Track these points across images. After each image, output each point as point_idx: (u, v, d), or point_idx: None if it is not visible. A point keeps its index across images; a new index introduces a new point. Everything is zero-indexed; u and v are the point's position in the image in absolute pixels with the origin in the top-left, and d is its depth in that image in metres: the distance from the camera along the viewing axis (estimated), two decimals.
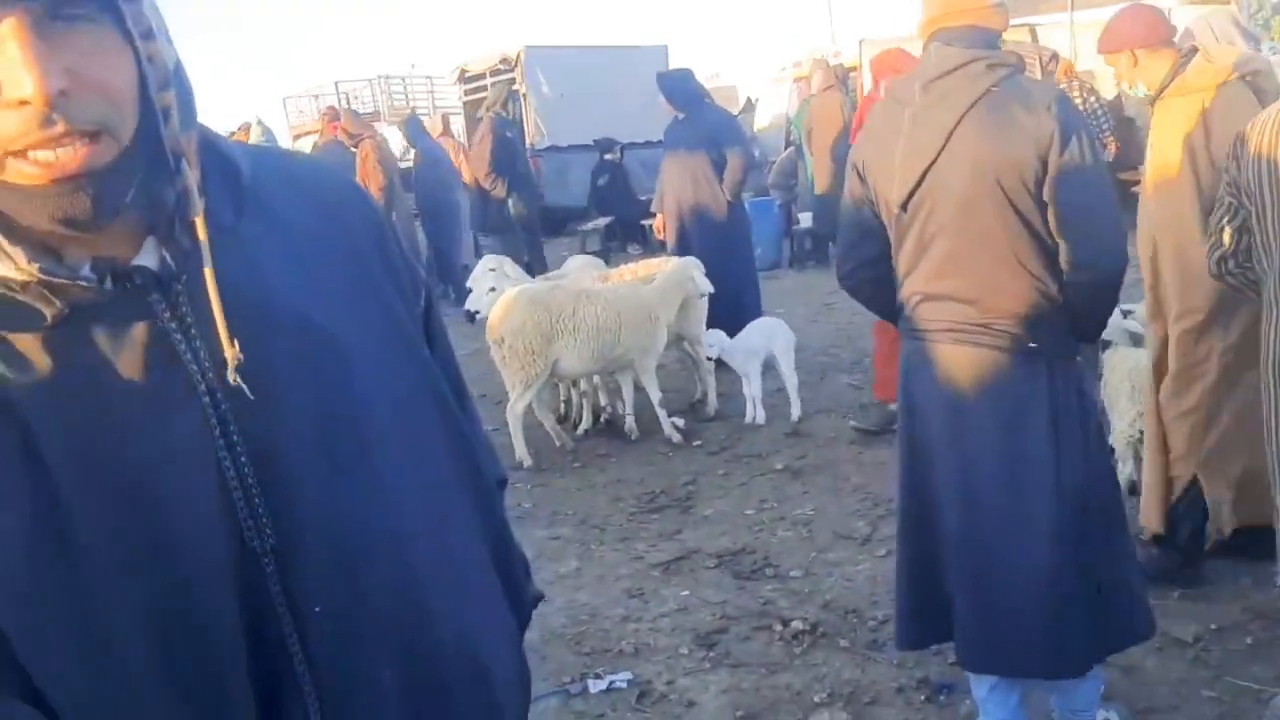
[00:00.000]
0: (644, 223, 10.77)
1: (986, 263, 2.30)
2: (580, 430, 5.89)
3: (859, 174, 2.50)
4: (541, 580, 3.72)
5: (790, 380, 5.69)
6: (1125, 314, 4.12)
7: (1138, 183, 3.89)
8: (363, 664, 0.96)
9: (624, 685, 3.19)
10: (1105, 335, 3.56)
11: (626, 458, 5.41)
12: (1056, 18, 10.99)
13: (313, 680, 0.93)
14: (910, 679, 3.04)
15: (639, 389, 5.62)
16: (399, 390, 1.02)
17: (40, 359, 0.83)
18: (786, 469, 4.99)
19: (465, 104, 15.29)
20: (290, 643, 0.92)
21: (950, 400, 2.38)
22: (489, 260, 6.03)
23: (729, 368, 5.80)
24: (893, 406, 5.13)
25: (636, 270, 5.92)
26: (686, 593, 3.79)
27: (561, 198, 13.30)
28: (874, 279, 2.57)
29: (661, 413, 5.57)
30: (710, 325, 5.81)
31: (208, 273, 0.86)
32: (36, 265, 0.81)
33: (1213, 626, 3.13)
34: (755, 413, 5.70)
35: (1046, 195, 2.24)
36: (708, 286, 5.63)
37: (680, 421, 5.69)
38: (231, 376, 0.87)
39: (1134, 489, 3.80)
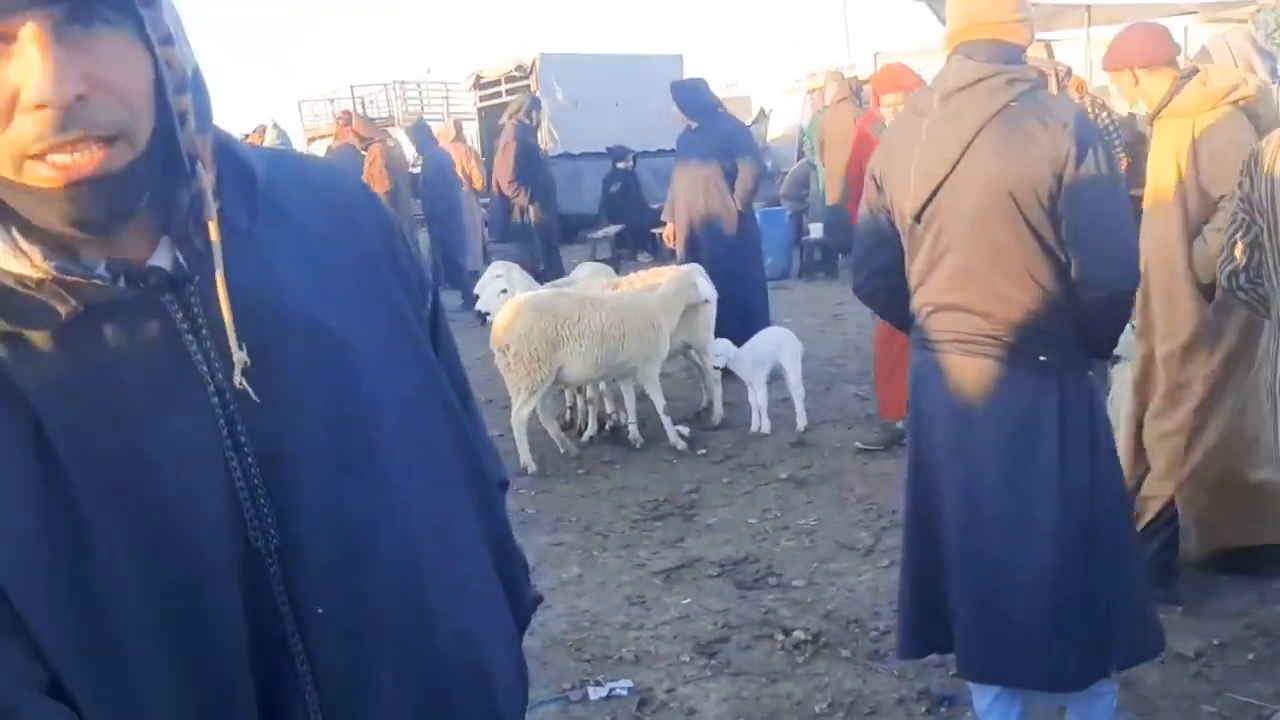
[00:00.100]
0: (654, 231, 10.78)
1: (998, 276, 2.31)
2: (585, 437, 5.90)
3: (876, 183, 2.52)
4: (543, 586, 3.73)
5: (796, 390, 5.69)
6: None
7: None
8: (364, 666, 0.96)
9: (624, 693, 3.19)
10: (1116, 350, 3.57)
11: (630, 465, 5.42)
12: (1073, 33, 10.97)
13: (314, 681, 0.93)
14: (911, 690, 3.04)
15: (644, 397, 5.63)
16: (407, 392, 1.03)
17: (53, 356, 0.83)
18: (791, 479, 5.00)
19: (480, 110, 15.33)
20: (292, 643, 0.92)
21: (958, 411, 2.39)
22: (497, 266, 6.08)
23: (735, 377, 5.81)
24: (899, 424, 5.16)
25: (646, 278, 5.93)
26: (688, 601, 3.79)
27: (573, 205, 13.32)
28: (888, 288, 2.58)
29: (666, 420, 5.58)
30: (718, 334, 5.82)
31: (219, 275, 0.87)
32: (52, 264, 0.82)
33: (1215, 642, 3.13)
34: (760, 422, 5.70)
35: (1061, 211, 2.25)
36: (710, 292, 5.63)
37: (686, 430, 5.70)
38: (238, 380, 0.87)
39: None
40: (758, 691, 3.15)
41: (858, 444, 5.37)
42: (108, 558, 0.84)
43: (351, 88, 20.52)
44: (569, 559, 4.27)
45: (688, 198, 6.76)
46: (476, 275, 7.46)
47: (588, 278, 6.41)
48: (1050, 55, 10.26)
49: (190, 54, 0.89)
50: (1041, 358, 2.31)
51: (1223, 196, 3.05)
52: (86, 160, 0.79)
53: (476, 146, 13.85)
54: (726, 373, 5.81)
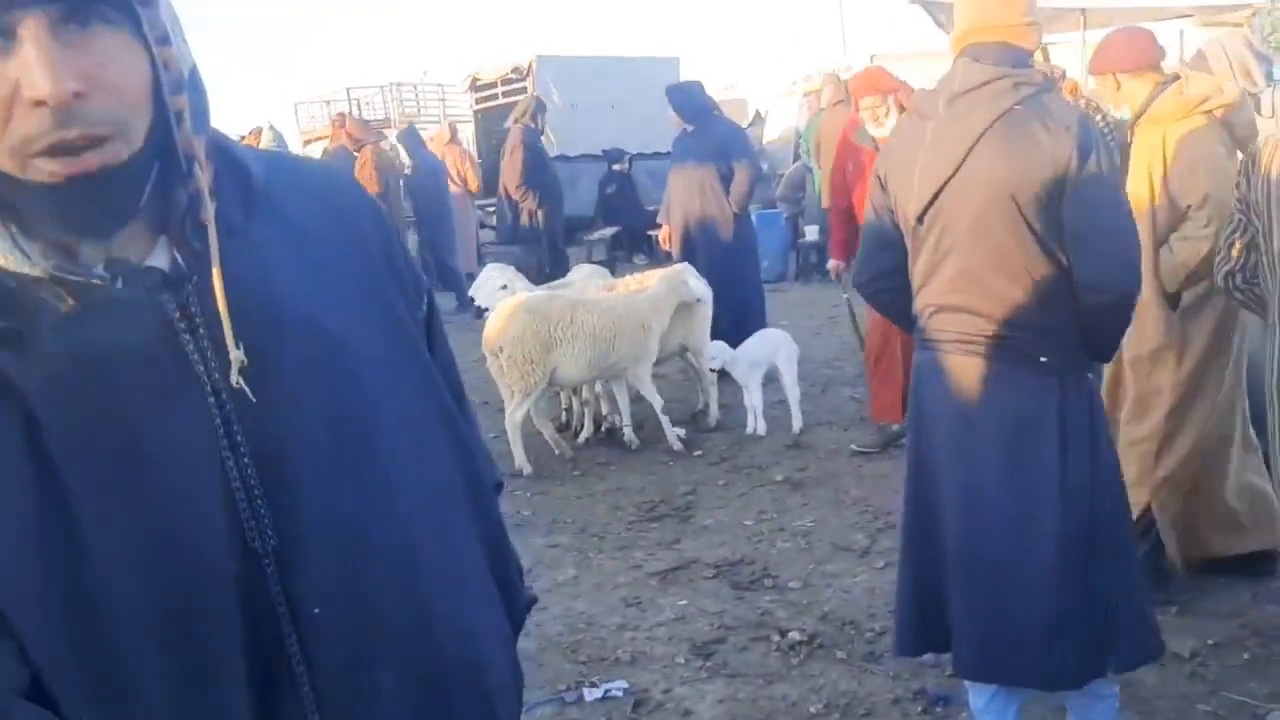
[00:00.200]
0: (650, 233, 10.80)
1: (1000, 278, 2.31)
2: (581, 439, 5.90)
3: (881, 184, 2.53)
4: (539, 588, 3.74)
5: (792, 392, 5.70)
6: None
7: None
8: (363, 666, 0.96)
9: (620, 694, 3.19)
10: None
11: (626, 467, 5.42)
12: (1069, 36, 10.99)
13: (310, 682, 0.93)
14: (907, 690, 3.04)
15: (640, 399, 5.63)
16: (404, 393, 1.03)
17: (51, 355, 0.84)
18: (786, 480, 5.00)
19: (476, 113, 15.30)
20: (289, 644, 0.92)
21: (959, 410, 2.39)
22: (493, 267, 6.09)
23: (731, 379, 5.81)
24: (895, 427, 5.17)
25: (642, 280, 5.94)
26: (684, 602, 3.79)
27: (569, 207, 13.24)
28: (892, 289, 2.59)
29: (665, 419, 5.58)
30: (714, 336, 5.83)
31: (215, 274, 0.87)
32: (51, 262, 0.83)
33: (1210, 642, 3.14)
34: (756, 424, 5.71)
35: (1063, 214, 2.25)
36: (702, 291, 5.63)
37: (682, 431, 5.70)
38: (234, 379, 0.88)
39: None
40: (753, 693, 3.15)
41: (853, 446, 5.37)
42: (103, 557, 0.84)
43: (348, 90, 20.49)
44: (565, 560, 4.27)
45: (684, 200, 6.77)
46: (472, 277, 7.47)
47: (583, 279, 6.42)
48: (1046, 58, 10.28)
49: (188, 54, 0.90)
50: (1042, 359, 2.32)
51: (1190, 206, 3.06)
52: (87, 157, 0.80)
53: (472, 149, 13.83)
54: (722, 375, 5.81)
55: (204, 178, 0.90)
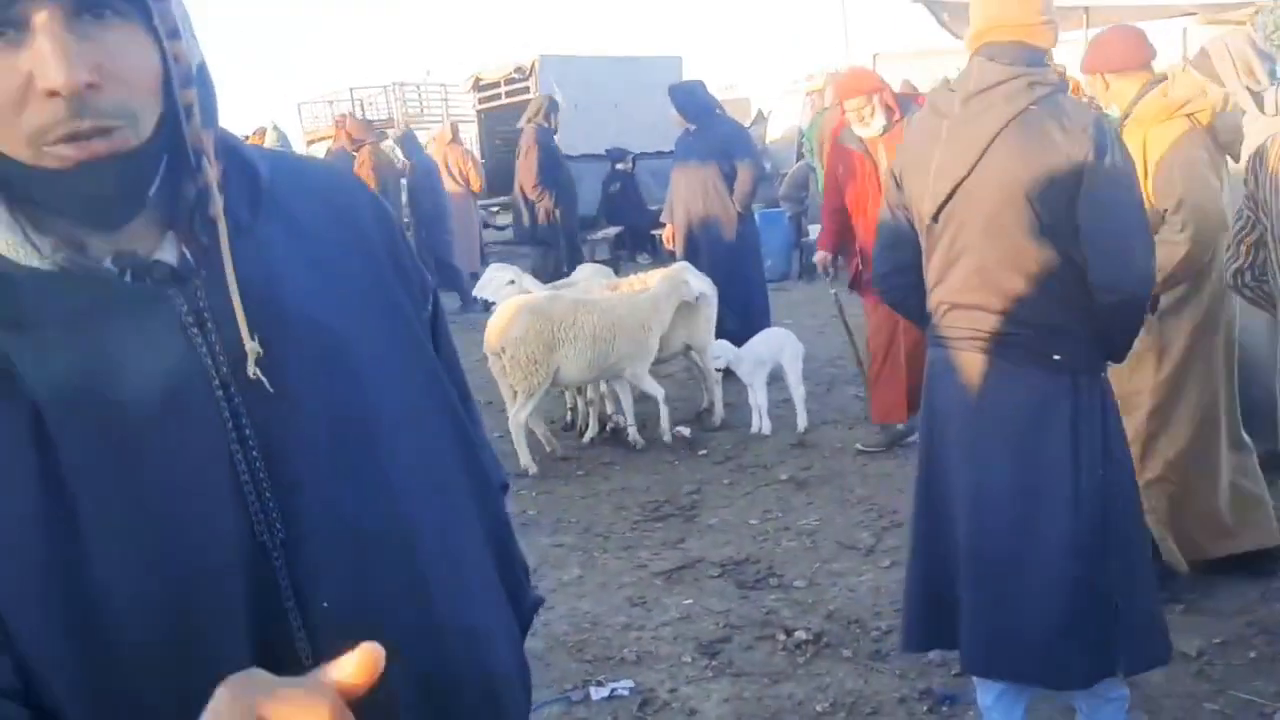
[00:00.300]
0: (654, 233, 10.79)
1: (1014, 277, 2.32)
2: (586, 438, 5.90)
3: (896, 182, 2.53)
4: (545, 588, 3.74)
5: (797, 391, 5.70)
6: None
7: None
8: None
9: (626, 693, 3.19)
10: None
11: (631, 466, 5.42)
12: (1072, 35, 10.98)
13: None
14: (913, 690, 3.04)
15: (644, 398, 5.63)
16: (408, 392, 1.03)
17: (58, 347, 0.83)
18: (791, 479, 5.00)
19: (479, 112, 15.31)
20: (298, 638, 0.91)
21: (971, 408, 2.40)
22: (496, 267, 6.10)
23: (736, 378, 5.81)
24: (900, 426, 5.16)
25: (645, 280, 5.94)
26: (690, 601, 3.79)
27: None
28: (906, 286, 2.60)
29: (664, 410, 5.58)
30: (719, 335, 5.83)
31: (228, 267, 0.88)
32: (60, 255, 0.83)
33: (1216, 640, 3.13)
34: (761, 423, 5.70)
35: (1077, 215, 2.25)
36: (701, 288, 5.63)
37: (686, 430, 5.70)
38: (251, 370, 0.88)
39: None
40: (759, 692, 3.14)
41: (858, 445, 5.37)
42: (109, 550, 0.84)
43: (351, 90, 20.52)
44: (570, 560, 4.27)
45: (686, 200, 6.77)
46: (475, 277, 7.48)
47: (587, 279, 6.42)
48: (1050, 58, 10.27)
49: (197, 49, 0.90)
50: (1055, 357, 2.32)
51: (1167, 210, 3.05)
52: (96, 143, 0.81)
53: (475, 149, 13.84)
54: (727, 374, 5.81)
55: (213, 173, 0.90)
